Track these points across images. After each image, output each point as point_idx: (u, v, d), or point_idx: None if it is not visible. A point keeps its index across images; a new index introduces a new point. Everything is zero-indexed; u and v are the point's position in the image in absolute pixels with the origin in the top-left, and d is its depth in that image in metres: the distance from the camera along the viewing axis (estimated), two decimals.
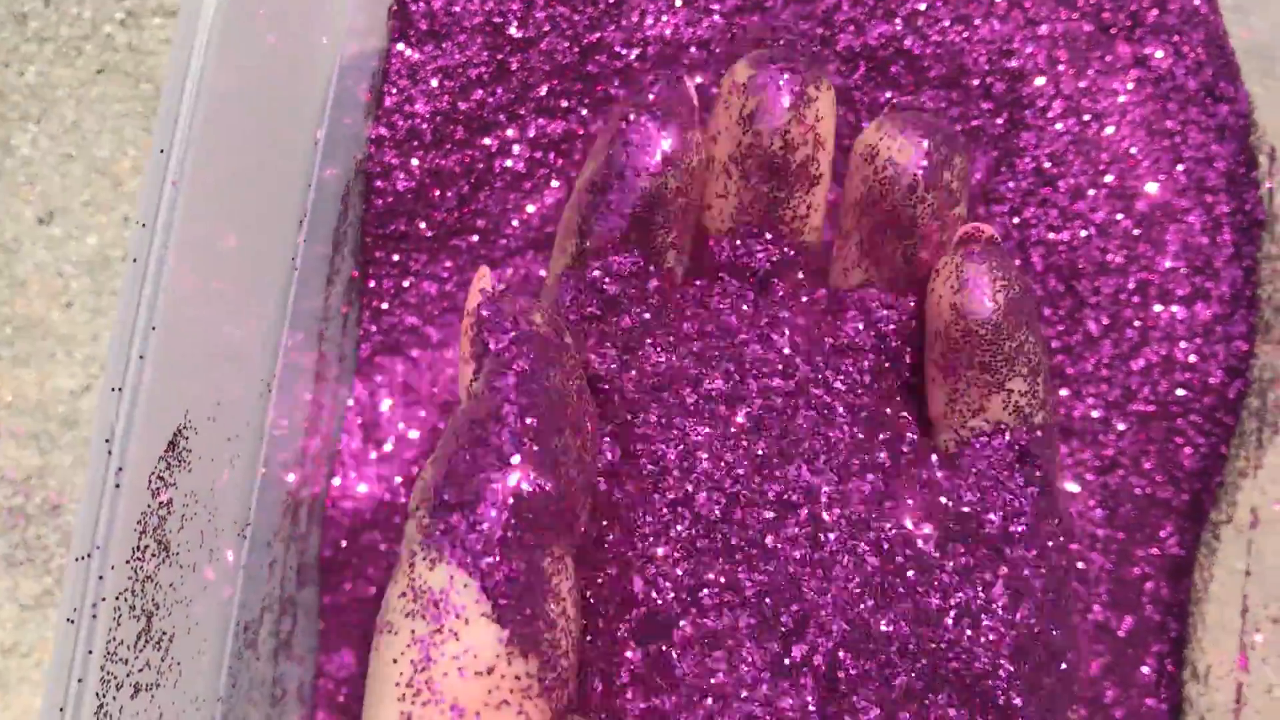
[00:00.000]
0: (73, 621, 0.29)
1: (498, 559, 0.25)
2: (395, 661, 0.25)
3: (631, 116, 0.32)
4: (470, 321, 0.29)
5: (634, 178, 0.31)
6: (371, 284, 0.44)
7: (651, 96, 0.32)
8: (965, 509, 0.32)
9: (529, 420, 0.26)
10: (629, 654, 0.29)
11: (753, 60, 0.33)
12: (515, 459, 0.26)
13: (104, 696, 0.29)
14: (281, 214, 0.37)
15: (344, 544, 0.45)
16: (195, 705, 0.35)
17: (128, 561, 0.30)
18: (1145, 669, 0.45)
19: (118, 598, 0.29)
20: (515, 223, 0.44)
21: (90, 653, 0.29)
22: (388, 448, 0.45)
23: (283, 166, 0.37)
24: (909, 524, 0.31)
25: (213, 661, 0.36)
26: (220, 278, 0.34)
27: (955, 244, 0.33)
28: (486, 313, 0.28)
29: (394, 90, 0.42)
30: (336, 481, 0.45)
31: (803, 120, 0.32)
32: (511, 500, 0.25)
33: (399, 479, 0.45)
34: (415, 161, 0.43)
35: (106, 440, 0.29)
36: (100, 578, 0.29)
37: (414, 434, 0.45)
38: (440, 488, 0.26)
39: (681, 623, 0.29)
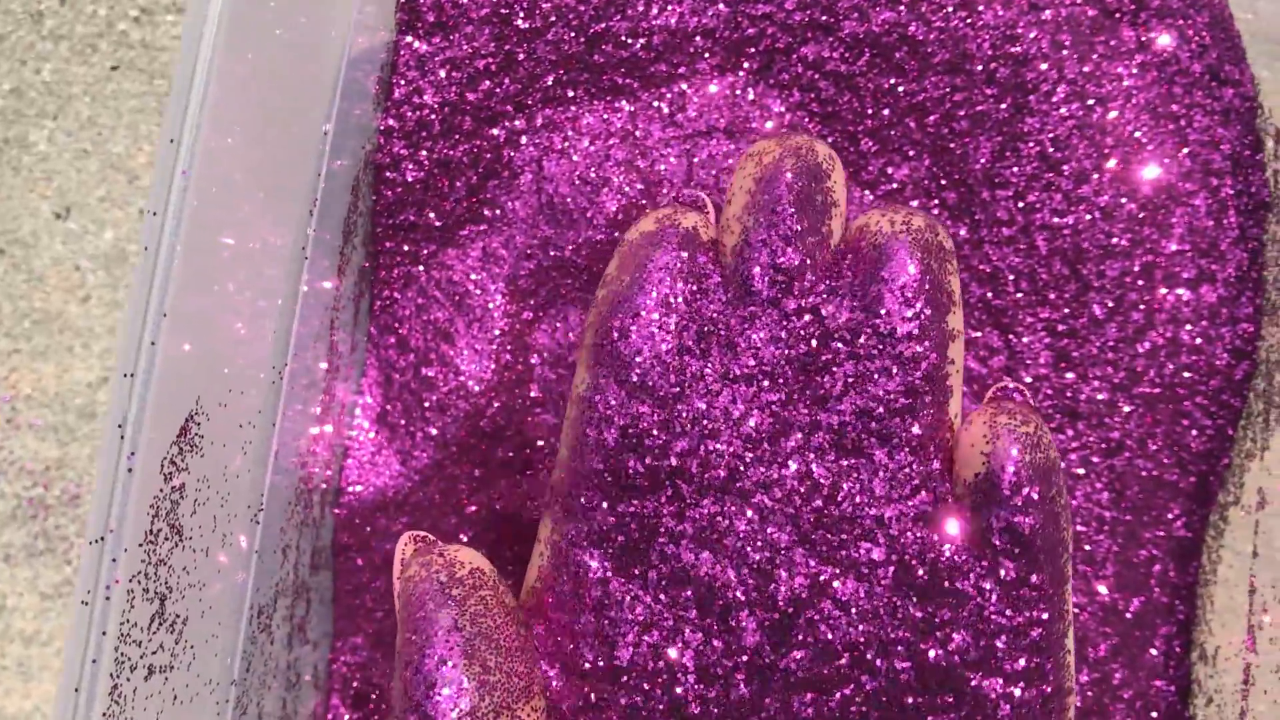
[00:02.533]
0: (87, 604, 0.29)
1: None
2: None
3: (638, 239, 0.33)
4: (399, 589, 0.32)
5: (646, 275, 0.33)
6: (382, 273, 0.45)
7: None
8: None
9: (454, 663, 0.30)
10: None
11: (765, 138, 0.33)
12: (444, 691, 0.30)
13: (118, 678, 0.30)
14: (292, 204, 0.38)
15: (356, 530, 0.45)
16: (209, 688, 0.35)
17: (141, 545, 0.30)
18: (1153, 651, 0.45)
19: (131, 580, 0.30)
20: (523, 213, 0.45)
21: (104, 634, 0.29)
22: (399, 435, 0.45)
23: (293, 157, 0.38)
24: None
25: (226, 645, 0.36)
26: (231, 266, 0.34)
27: (989, 398, 0.33)
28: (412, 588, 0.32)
29: (402, 82, 0.43)
30: (349, 468, 0.45)
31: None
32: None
33: (411, 466, 0.45)
34: (424, 152, 0.43)
35: (119, 425, 0.29)
36: (114, 560, 0.29)
37: (425, 422, 0.45)
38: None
39: None
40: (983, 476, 0.31)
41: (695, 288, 0.32)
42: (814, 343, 0.32)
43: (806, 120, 0.45)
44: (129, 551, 0.30)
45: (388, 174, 0.43)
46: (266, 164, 0.36)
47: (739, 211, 0.32)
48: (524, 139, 0.44)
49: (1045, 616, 0.31)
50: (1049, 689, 0.31)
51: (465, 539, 0.45)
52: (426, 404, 0.45)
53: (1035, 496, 0.30)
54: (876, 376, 0.32)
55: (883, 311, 0.32)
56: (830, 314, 0.32)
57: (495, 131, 0.44)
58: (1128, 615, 0.45)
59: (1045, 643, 0.31)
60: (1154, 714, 0.45)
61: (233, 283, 0.35)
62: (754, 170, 0.32)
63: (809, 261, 0.32)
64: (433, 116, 0.43)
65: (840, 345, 0.32)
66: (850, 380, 0.32)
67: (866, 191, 0.45)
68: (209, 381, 0.33)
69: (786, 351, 0.32)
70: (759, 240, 0.32)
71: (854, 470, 0.32)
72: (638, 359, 0.32)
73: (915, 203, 0.45)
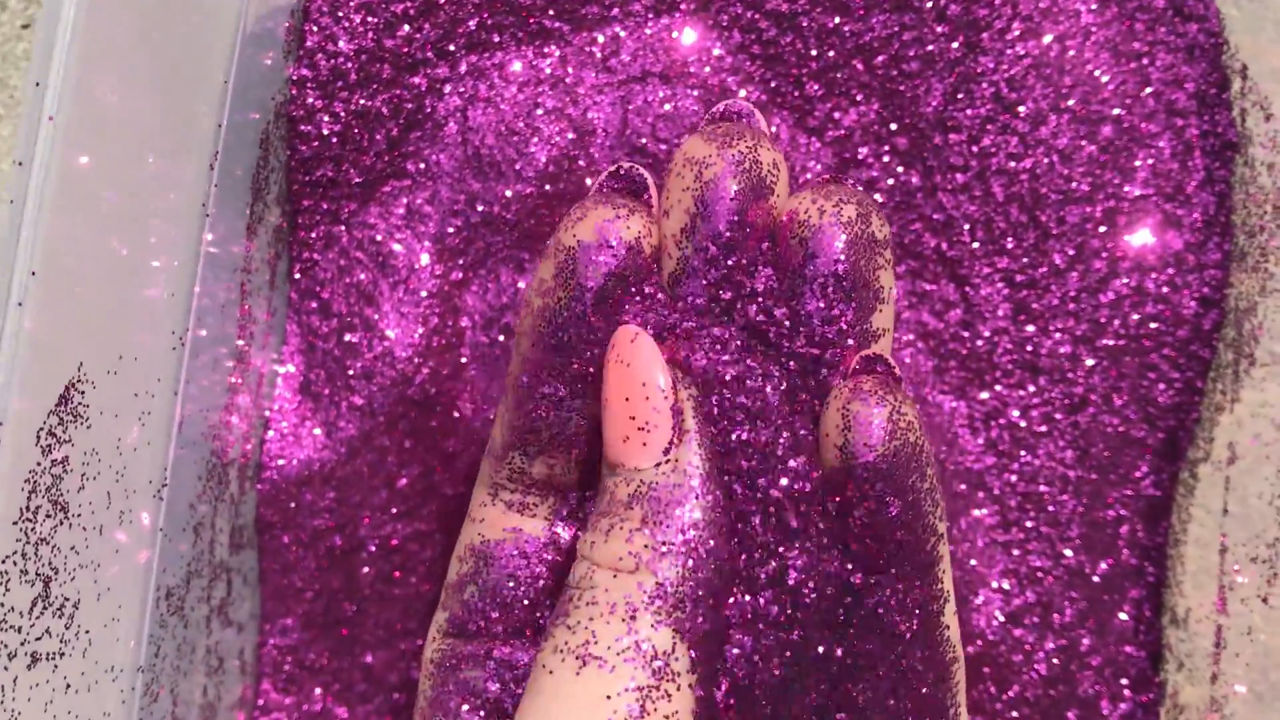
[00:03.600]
0: None
1: (702, 622, 0.29)
2: (609, 699, 0.27)
3: (577, 249, 0.31)
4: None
5: (583, 300, 0.31)
6: (300, 234, 0.42)
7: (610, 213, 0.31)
8: None
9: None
10: None
11: (706, 138, 0.31)
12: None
13: None
14: (189, 157, 0.35)
15: (281, 507, 0.43)
16: (110, 675, 0.33)
17: (15, 522, 0.28)
18: (1123, 615, 0.43)
19: (4, 560, 0.28)
20: (448, 166, 0.42)
21: None
22: (323, 406, 0.43)
23: (188, 107, 0.35)
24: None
25: (130, 629, 0.34)
26: (118, 223, 0.32)
27: (850, 372, 0.31)
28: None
29: (315, 28, 0.40)
30: (271, 441, 0.43)
31: (758, 206, 0.31)
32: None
33: (337, 438, 0.43)
34: (340, 104, 0.41)
35: None
36: None
37: (350, 391, 0.43)
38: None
39: None
40: (838, 470, 0.30)
41: (639, 305, 0.31)
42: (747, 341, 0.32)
43: (748, 64, 0.42)
44: (0, 529, 0.27)
45: (302, 127, 0.41)
46: (155, 113, 0.34)
47: (676, 232, 0.31)
48: (447, 87, 0.42)
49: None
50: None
51: (396, 511, 0.43)
52: (351, 372, 0.43)
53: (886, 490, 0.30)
54: (793, 376, 0.31)
55: (805, 310, 0.31)
56: (757, 310, 0.31)
57: (416, 80, 0.41)
58: (1095, 579, 0.43)
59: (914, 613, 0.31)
60: (1124, 680, 0.43)
61: (120, 241, 0.32)
62: (693, 185, 0.31)
63: (746, 283, 0.31)
64: (348, 65, 0.40)
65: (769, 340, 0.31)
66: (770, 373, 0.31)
67: (813, 138, 0.43)
68: (94, 348, 0.31)
69: (722, 368, 0.31)
70: (698, 269, 0.31)
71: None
72: (581, 370, 0.31)
73: (864, 149, 0.43)
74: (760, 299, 0.31)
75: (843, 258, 0.30)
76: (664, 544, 0.29)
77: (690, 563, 0.29)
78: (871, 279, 0.31)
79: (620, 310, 0.31)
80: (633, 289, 0.31)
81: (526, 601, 0.33)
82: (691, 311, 0.31)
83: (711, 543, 0.29)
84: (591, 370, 0.31)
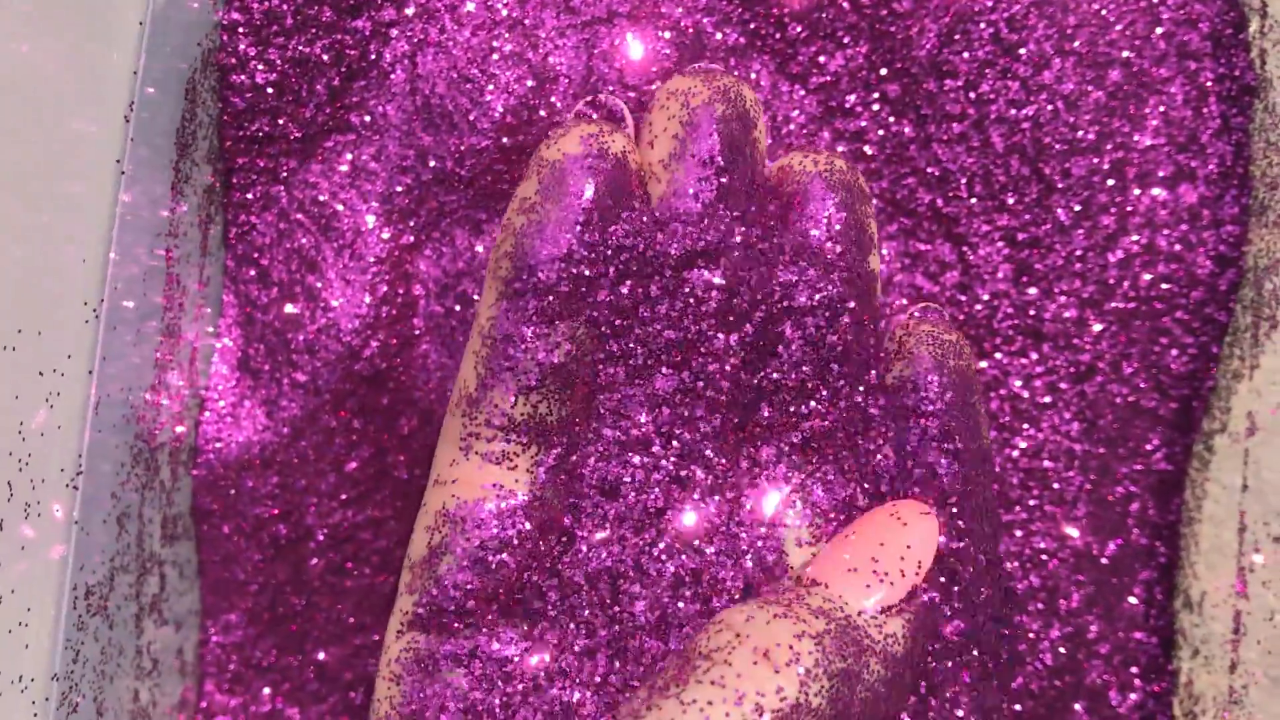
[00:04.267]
0: None
1: None
2: None
3: (564, 161, 0.30)
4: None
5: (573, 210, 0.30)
6: (235, 195, 0.38)
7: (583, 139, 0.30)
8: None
9: None
10: None
11: (688, 74, 0.32)
12: None
13: None
14: (99, 109, 0.32)
15: (220, 493, 0.39)
16: (19, 686, 0.30)
17: None
18: (1132, 599, 0.40)
19: None
20: (396, 118, 0.39)
21: None
22: (264, 383, 0.39)
23: (98, 52, 0.32)
24: None
25: (42, 633, 0.31)
26: (12, 180, 0.28)
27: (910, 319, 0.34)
28: None
29: None
30: (207, 422, 0.39)
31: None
32: None
33: (279, 418, 0.39)
34: (275, 50, 0.37)
35: None
36: None
37: (292, 366, 0.39)
38: None
39: None
40: (903, 379, 0.32)
41: (626, 229, 0.30)
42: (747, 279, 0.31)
43: (724, 3, 0.39)
44: None
45: (234, 77, 0.37)
46: (61, 60, 0.30)
47: (665, 158, 0.31)
48: (394, 31, 0.38)
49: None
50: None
51: (346, 497, 0.40)
52: (293, 346, 0.39)
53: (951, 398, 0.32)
54: (802, 298, 0.31)
55: (810, 242, 0.32)
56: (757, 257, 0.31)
57: (359, 23, 0.38)
58: (1103, 561, 0.40)
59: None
60: (1134, 669, 0.40)
61: (18, 202, 0.28)
62: (680, 113, 0.31)
63: (736, 214, 0.31)
64: (284, 7, 0.37)
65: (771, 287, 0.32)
66: (782, 309, 0.31)
67: (796, 85, 0.40)
68: None
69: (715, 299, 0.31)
70: (688, 193, 0.31)
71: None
72: (571, 290, 0.30)
73: (853, 96, 0.40)
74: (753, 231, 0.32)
75: (842, 195, 0.32)
76: (828, 673, 0.27)
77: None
78: (865, 223, 0.33)
79: (609, 227, 0.30)
80: (621, 205, 0.30)
81: (514, 564, 0.29)
82: (682, 226, 0.31)
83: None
84: (583, 291, 0.29)
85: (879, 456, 0.32)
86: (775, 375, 0.31)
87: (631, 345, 0.30)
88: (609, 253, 0.30)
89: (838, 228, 0.32)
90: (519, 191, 0.30)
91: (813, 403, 0.31)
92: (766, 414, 0.31)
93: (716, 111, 0.31)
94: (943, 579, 0.30)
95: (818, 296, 0.31)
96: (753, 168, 0.32)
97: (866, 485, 0.31)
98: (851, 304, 0.31)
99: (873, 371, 0.32)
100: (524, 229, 0.29)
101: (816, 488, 0.31)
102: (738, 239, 0.31)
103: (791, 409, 0.31)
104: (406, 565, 0.31)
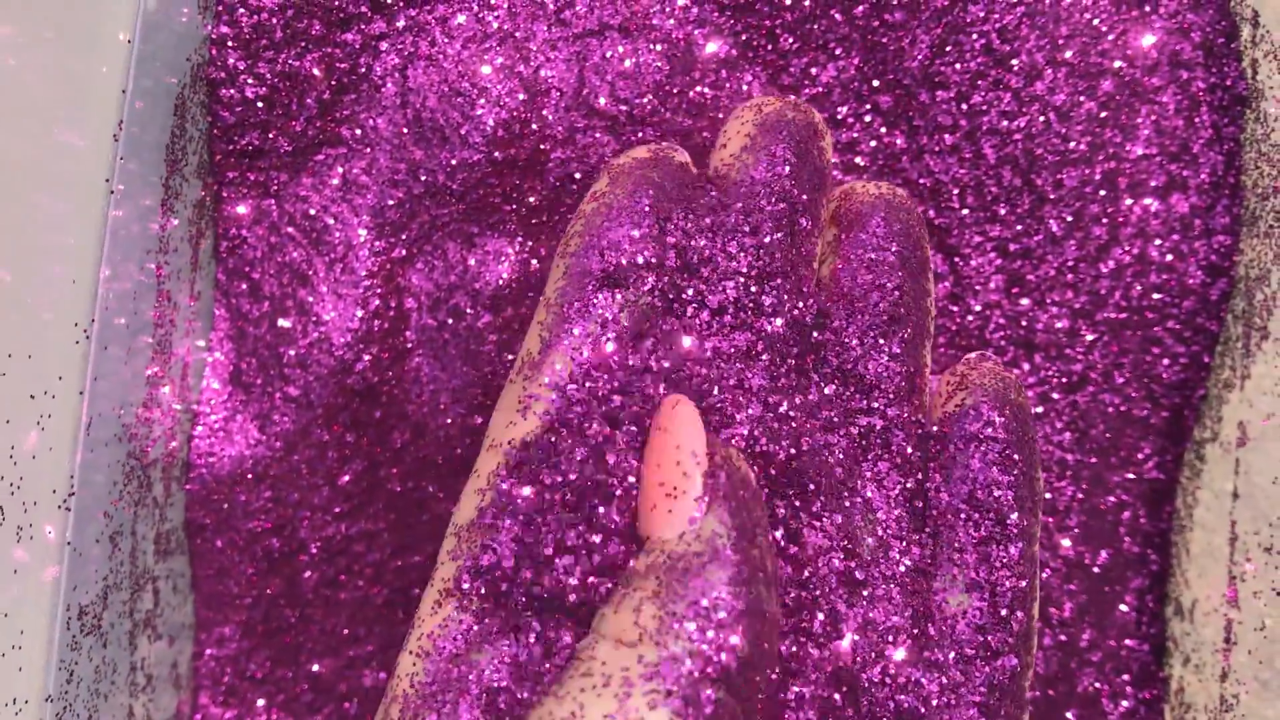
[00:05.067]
0: None
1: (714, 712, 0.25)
2: None
3: (632, 162, 0.32)
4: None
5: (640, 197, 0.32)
6: (225, 209, 0.38)
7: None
8: None
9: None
10: None
11: (764, 93, 0.35)
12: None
13: None
14: (87, 127, 0.32)
15: (213, 508, 0.39)
16: (13, 709, 0.30)
17: None
18: (1124, 607, 0.40)
19: None
20: (387, 132, 0.38)
21: None
22: (256, 397, 0.39)
23: (85, 68, 0.31)
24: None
25: (36, 656, 0.31)
26: (1, 200, 0.28)
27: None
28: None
29: None
30: (199, 437, 0.39)
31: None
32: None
33: (272, 432, 0.39)
34: (265, 64, 0.37)
35: None
36: None
37: (284, 380, 0.39)
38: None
39: None
40: (964, 406, 0.32)
41: (687, 213, 0.31)
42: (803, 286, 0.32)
43: (716, 15, 0.39)
44: None
45: (223, 91, 0.37)
46: (48, 77, 0.30)
47: (738, 151, 0.33)
48: (384, 44, 0.38)
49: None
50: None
51: (339, 511, 0.39)
52: (285, 360, 0.39)
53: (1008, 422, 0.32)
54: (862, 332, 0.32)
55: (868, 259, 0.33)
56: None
57: (350, 36, 0.38)
58: (1095, 569, 0.40)
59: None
60: (1125, 676, 0.40)
61: (6, 221, 0.28)
62: (754, 117, 0.33)
63: (809, 214, 0.33)
64: (273, 20, 0.37)
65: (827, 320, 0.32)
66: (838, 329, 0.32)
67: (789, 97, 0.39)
68: None
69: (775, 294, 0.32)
70: (763, 176, 0.32)
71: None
72: (625, 273, 0.30)
73: (844, 109, 0.39)
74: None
75: (903, 218, 0.33)
76: (673, 615, 0.26)
77: (708, 636, 0.26)
78: (923, 243, 0.34)
79: (671, 216, 0.31)
80: (686, 200, 0.31)
81: (619, 493, 0.29)
82: (743, 215, 0.32)
83: (738, 610, 0.26)
84: (643, 272, 0.31)
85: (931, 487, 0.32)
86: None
87: (690, 314, 0.31)
88: (670, 240, 0.31)
89: (897, 250, 0.33)
90: (592, 189, 0.32)
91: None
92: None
93: (788, 115, 0.33)
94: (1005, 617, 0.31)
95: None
96: (819, 177, 0.33)
97: (919, 504, 0.31)
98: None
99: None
100: (593, 213, 0.31)
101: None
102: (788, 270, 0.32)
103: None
104: (450, 532, 0.30)
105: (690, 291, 0.31)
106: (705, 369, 0.30)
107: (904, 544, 0.31)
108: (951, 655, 0.30)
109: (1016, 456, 0.32)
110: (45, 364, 0.30)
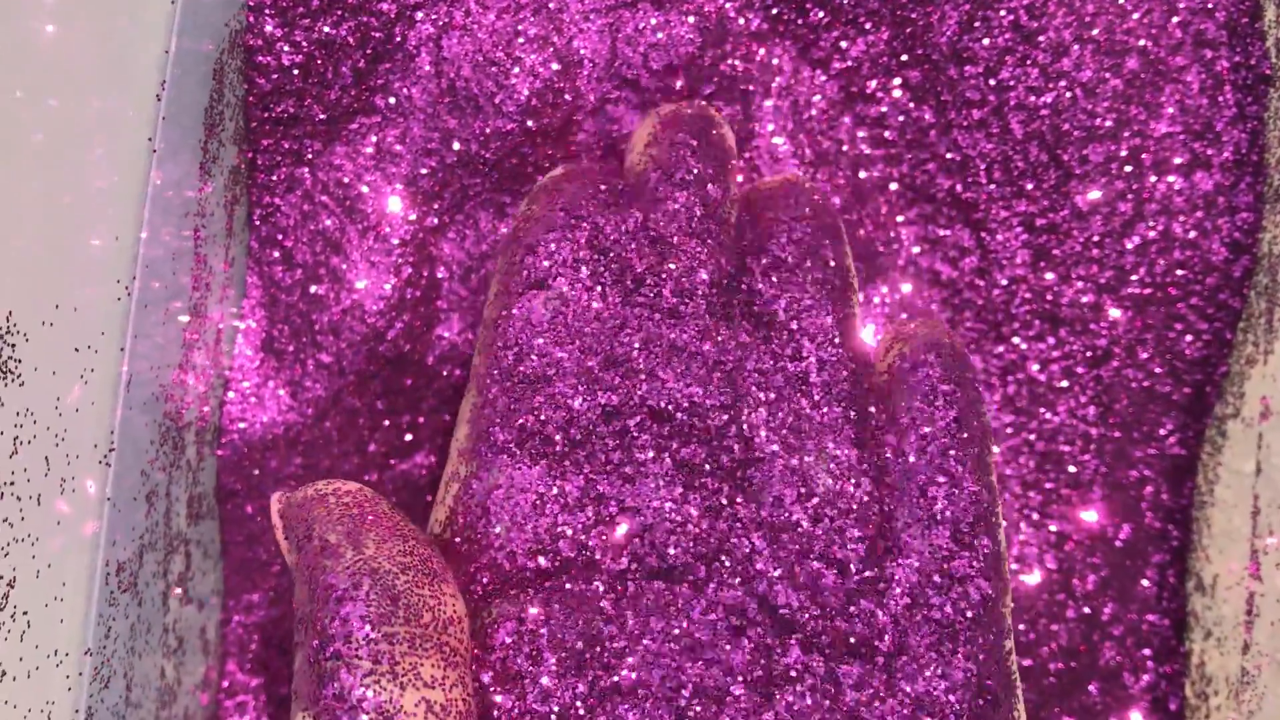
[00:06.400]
0: None
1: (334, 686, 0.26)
2: None
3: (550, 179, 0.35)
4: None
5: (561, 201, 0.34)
6: (260, 176, 0.39)
7: None
8: None
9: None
10: None
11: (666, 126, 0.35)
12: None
13: None
14: (132, 87, 0.32)
15: (244, 474, 0.40)
16: (54, 660, 0.30)
17: None
18: (1145, 582, 0.41)
19: None
20: (421, 101, 0.39)
21: None
22: (288, 364, 0.40)
23: (130, 31, 0.32)
24: None
25: (76, 608, 0.31)
26: (45, 159, 0.29)
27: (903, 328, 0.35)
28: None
29: None
30: (231, 403, 0.39)
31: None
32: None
33: (303, 399, 0.40)
34: (301, 32, 0.37)
35: None
36: None
37: (316, 348, 0.39)
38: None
39: None
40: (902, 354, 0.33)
41: (603, 206, 0.33)
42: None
43: None
44: None
45: (260, 58, 0.37)
46: (94, 40, 0.30)
47: (643, 149, 0.35)
48: (419, 14, 0.38)
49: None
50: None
51: (368, 479, 0.40)
52: (317, 327, 0.39)
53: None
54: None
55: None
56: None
57: (384, 6, 0.38)
58: (1117, 543, 0.40)
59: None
60: (1146, 651, 0.41)
61: (54, 180, 0.29)
62: (654, 119, 0.35)
63: (717, 183, 0.34)
64: None
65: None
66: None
67: (818, 70, 0.40)
68: (24, 296, 0.28)
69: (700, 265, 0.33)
70: (667, 159, 0.34)
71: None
72: (550, 275, 0.32)
73: (872, 83, 0.40)
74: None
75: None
76: None
77: None
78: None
79: (584, 213, 0.33)
80: (599, 195, 0.34)
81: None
82: (655, 193, 0.33)
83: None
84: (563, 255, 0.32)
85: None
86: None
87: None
88: (583, 234, 0.32)
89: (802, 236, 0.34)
90: (517, 213, 0.34)
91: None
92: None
93: (685, 112, 0.35)
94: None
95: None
96: (722, 154, 0.35)
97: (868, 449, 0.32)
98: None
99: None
100: (517, 229, 0.33)
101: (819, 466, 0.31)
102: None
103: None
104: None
105: (609, 273, 0.32)
106: (637, 336, 0.31)
107: (856, 481, 0.31)
108: (916, 584, 0.30)
109: (956, 389, 0.32)
110: (89, 318, 0.30)
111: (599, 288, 0.32)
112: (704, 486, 0.30)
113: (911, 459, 0.31)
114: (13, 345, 0.27)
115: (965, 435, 0.32)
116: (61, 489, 0.30)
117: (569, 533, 0.30)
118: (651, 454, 0.30)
